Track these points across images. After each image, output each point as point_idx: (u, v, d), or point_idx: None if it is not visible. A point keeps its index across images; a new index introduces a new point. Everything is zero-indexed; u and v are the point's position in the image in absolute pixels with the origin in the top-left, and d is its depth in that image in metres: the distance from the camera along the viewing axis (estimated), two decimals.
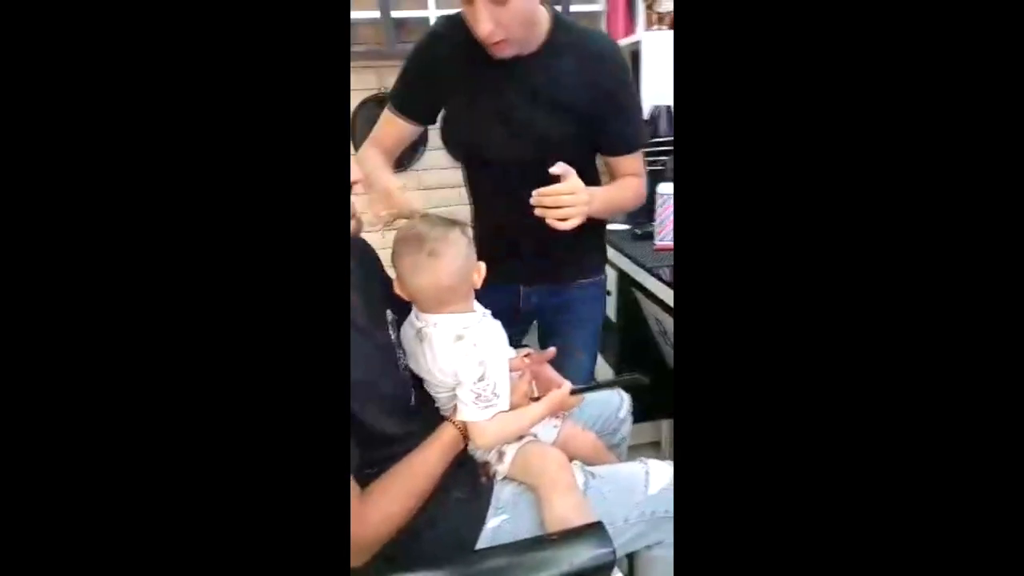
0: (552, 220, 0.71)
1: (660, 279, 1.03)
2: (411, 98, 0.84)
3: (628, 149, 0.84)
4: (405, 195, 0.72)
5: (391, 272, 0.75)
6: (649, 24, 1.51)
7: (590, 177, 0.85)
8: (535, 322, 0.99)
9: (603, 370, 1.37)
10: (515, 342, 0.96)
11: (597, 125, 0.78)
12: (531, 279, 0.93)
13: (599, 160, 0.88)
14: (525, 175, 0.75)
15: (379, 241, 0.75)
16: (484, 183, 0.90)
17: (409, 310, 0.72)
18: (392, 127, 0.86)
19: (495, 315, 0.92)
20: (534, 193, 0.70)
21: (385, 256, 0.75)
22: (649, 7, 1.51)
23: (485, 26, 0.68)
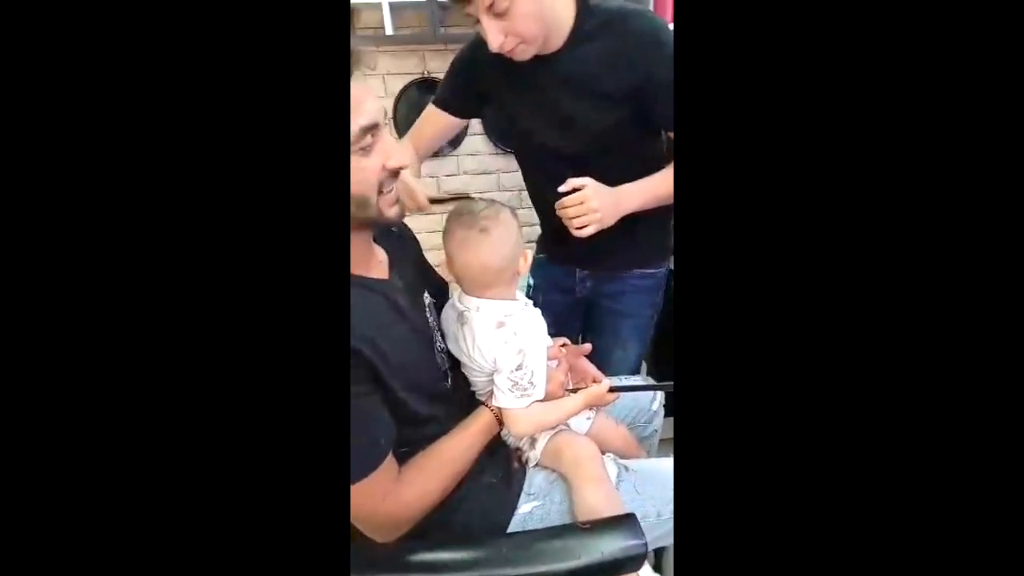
0: (572, 229, 0.73)
1: None
2: (454, 95, 0.87)
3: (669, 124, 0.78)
4: (422, 195, 0.76)
5: (430, 257, 0.77)
6: None
7: (653, 158, 0.83)
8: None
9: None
10: (572, 327, 0.94)
11: (647, 105, 0.75)
12: (586, 263, 0.93)
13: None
14: (575, 164, 0.75)
15: (417, 225, 0.76)
16: (536, 172, 0.91)
17: (446, 295, 0.73)
18: (433, 122, 0.90)
19: (551, 296, 0.92)
20: (555, 204, 0.73)
21: (424, 240, 0.77)
22: None
23: (494, 40, 0.68)
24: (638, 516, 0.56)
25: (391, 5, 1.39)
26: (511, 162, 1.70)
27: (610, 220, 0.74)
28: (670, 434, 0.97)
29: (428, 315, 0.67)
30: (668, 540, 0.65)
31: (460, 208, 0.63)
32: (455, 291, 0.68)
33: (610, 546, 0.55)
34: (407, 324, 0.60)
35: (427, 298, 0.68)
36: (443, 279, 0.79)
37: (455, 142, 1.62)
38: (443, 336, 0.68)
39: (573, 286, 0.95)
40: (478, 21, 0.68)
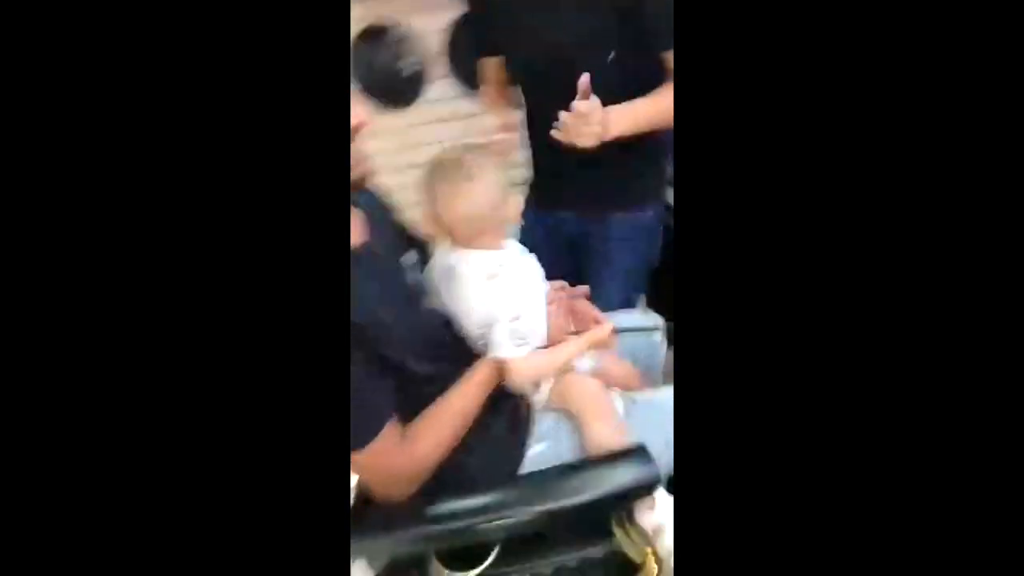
0: (570, 143, 0.69)
1: None
2: (487, 37, 0.87)
3: (669, 39, 0.73)
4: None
5: (407, 213, 0.74)
6: None
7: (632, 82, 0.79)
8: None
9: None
10: (561, 269, 0.94)
11: (628, 19, 0.71)
12: (571, 203, 0.91)
13: None
14: (558, 87, 0.72)
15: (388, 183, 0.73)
16: (530, 102, 0.90)
17: (427, 252, 0.71)
18: (488, 68, 0.93)
19: (538, 238, 0.90)
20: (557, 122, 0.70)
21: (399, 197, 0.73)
22: None
23: None
24: (648, 446, 0.57)
25: None
26: (480, 106, 1.61)
27: (596, 139, 0.70)
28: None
29: (413, 274, 0.65)
30: None
31: (441, 158, 0.60)
32: (442, 244, 0.66)
33: (623, 476, 0.56)
34: (393, 286, 0.58)
35: (410, 256, 0.66)
36: (422, 236, 0.76)
37: (415, 93, 1.54)
38: (433, 292, 0.66)
39: (560, 227, 0.93)
40: None
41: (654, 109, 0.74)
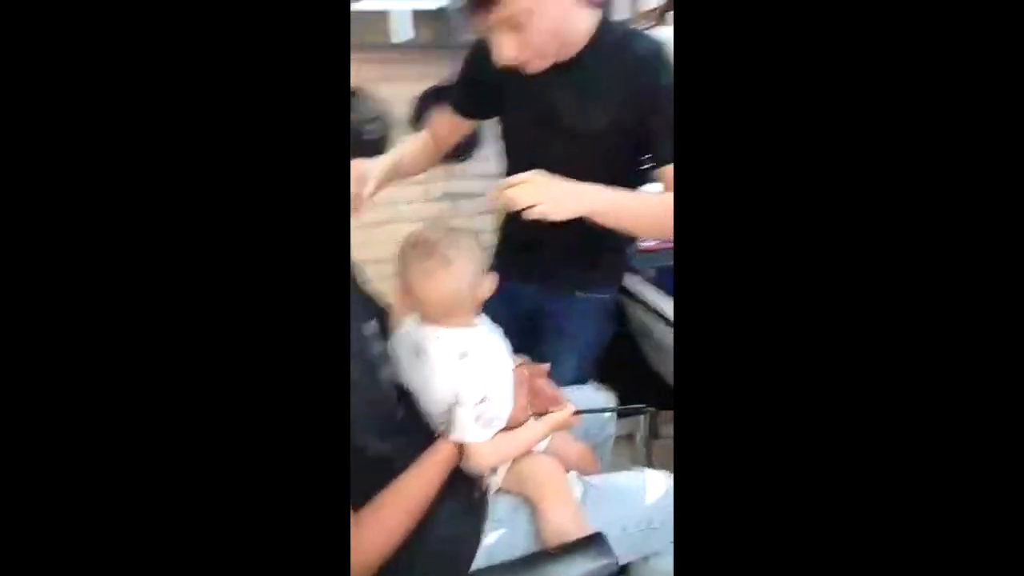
0: (529, 213, 0.68)
1: (646, 279, 1.04)
2: (466, 94, 0.88)
3: (659, 154, 0.76)
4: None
5: (375, 281, 0.72)
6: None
7: (633, 184, 0.83)
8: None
9: None
10: (515, 341, 0.95)
11: (633, 127, 0.76)
12: (535, 278, 0.93)
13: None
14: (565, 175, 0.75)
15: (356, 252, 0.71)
16: (510, 169, 0.91)
17: (388, 322, 0.69)
18: (441, 124, 0.94)
19: (497, 307, 0.92)
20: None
21: (363, 258, 0.72)
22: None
23: (507, 53, 0.67)
24: (604, 533, 0.56)
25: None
26: (439, 171, 1.65)
27: (565, 209, 0.68)
28: (619, 432, 1.00)
29: (373, 346, 0.62)
30: (635, 555, 0.66)
31: (416, 237, 0.60)
32: (408, 319, 0.64)
33: (580, 569, 0.54)
34: (353, 356, 0.56)
35: (371, 326, 0.64)
36: (384, 304, 0.74)
37: (466, 154, 1.54)
38: (393, 366, 0.64)
39: (519, 299, 0.95)
40: (489, 31, 0.66)
41: (636, 205, 0.76)
